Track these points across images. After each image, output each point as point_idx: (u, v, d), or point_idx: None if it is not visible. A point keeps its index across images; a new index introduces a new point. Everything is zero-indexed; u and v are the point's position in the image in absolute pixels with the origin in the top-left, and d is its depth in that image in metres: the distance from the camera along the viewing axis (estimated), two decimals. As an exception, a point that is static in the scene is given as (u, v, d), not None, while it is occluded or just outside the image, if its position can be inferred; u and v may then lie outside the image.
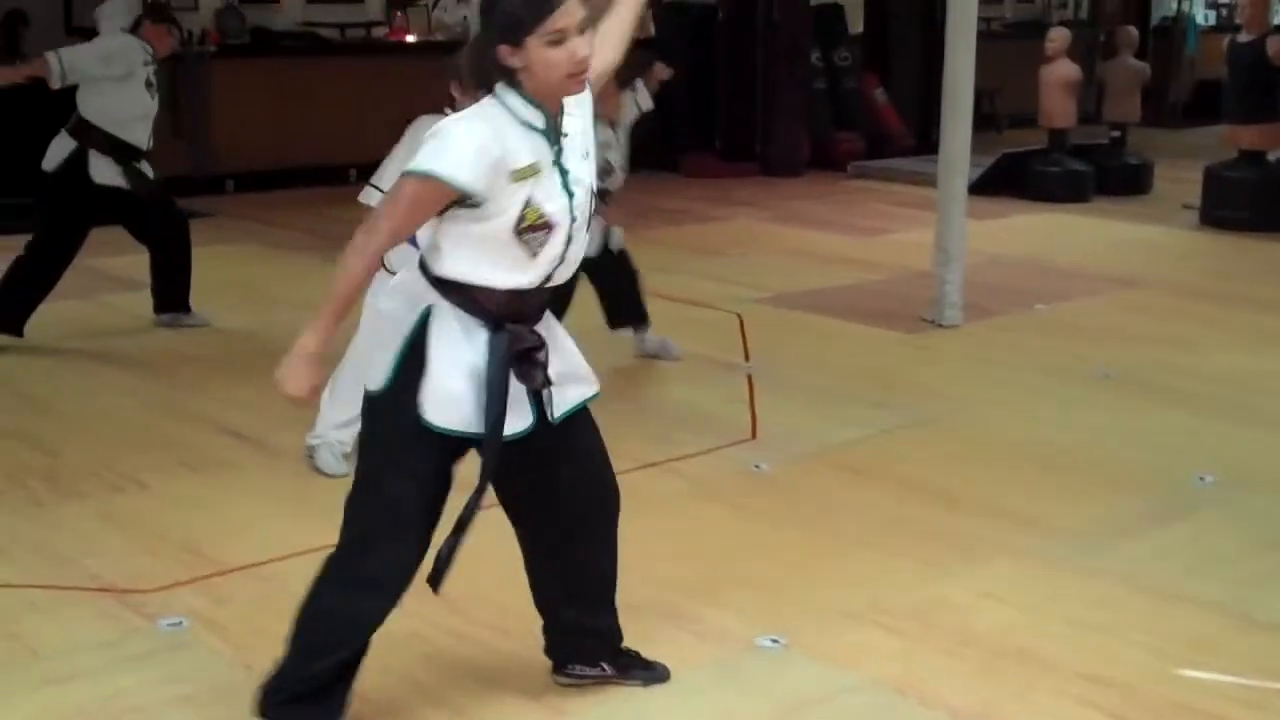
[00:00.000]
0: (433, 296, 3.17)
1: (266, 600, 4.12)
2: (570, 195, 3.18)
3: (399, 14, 12.74)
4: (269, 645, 3.79)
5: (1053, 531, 4.77)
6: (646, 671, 3.68)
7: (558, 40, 3.02)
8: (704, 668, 3.77)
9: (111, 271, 8.08)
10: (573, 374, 3.34)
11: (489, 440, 3.15)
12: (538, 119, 3.14)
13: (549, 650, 3.64)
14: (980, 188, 10.40)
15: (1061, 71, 12.06)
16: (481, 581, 4.00)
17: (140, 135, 7.04)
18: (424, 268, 3.21)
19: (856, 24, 15.20)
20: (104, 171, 6.94)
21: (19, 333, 6.97)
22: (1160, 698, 3.66)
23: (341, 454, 5.12)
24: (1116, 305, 8.29)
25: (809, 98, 13.98)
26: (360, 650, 3.29)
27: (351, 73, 11.67)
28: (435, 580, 3.25)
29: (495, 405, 3.14)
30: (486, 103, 3.15)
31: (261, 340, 7.03)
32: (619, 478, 3.50)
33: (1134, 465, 5.44)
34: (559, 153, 3.18)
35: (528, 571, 3.56)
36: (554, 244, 3.17)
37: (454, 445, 3.20)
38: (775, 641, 3.90)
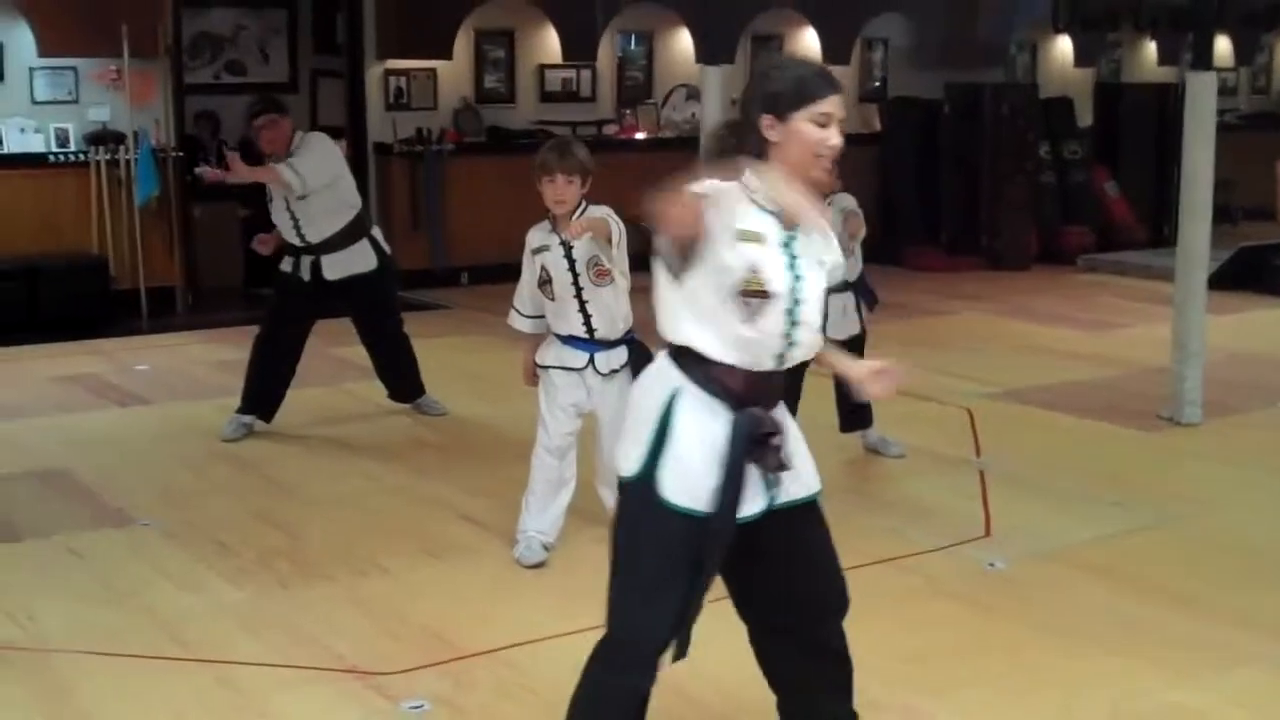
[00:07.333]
0: (678, 380, 3.26)
1: (506, 686, 4.21)
2: (797, 277, 3.25)
3: (628, 112, 13.04)
4: (509, 730, 3.87)
5: (1303, 639, 4.60)
6: None
7: (822, 123, 3.24)
8: (941, 768, 3.72)
9: (354, 360, 8.34)
10: (799, 468, 3.37)
11: (719, 521, 3.20)
12: (770, 202, 3.25)
13: None
14: (1217, 282, 10.09)
15: (1300, 164, 11.73)
16: (705, 666, 4.03)
17: (289, 235, 7.18)
18: (669, 350, 3.30)
19: (1085, 117, 15.01)
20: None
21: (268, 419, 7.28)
22: None
23: (540, 545, 5.30)
24: (1366, 404, 7.99)
25: (1037, 191, 13.83)
26: None
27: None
28: (677, 654, 3.30)
29: (731, 487, 3.20)
30: (728, 183, 3.26)
31: (497, 430, 7.20)
32: (850, 573, 3.49)
33: (1390, 572, 5.22)
34: (790, 238, 3.26)
35: (761, 659, 3.58)
36: (772, 316, 3.22)
37: (696, 526, 3.24)
38: (1014, 744, 3.84)
